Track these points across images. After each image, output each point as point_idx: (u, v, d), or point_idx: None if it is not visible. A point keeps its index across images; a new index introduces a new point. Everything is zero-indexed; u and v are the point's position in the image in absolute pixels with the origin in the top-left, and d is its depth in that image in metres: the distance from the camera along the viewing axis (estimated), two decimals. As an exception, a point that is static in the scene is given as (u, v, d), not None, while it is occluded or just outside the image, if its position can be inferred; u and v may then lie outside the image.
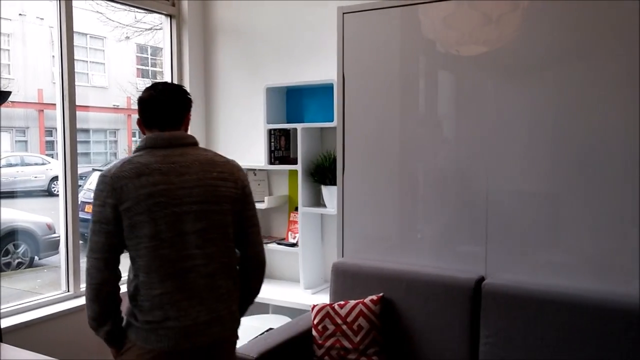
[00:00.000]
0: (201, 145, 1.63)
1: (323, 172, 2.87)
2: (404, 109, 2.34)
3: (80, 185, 2.94)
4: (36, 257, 4.13)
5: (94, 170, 4.62)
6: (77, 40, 3.69)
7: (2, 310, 2.49)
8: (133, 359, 1.49)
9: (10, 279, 3.69)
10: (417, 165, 2.33)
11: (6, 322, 2.41)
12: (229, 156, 1.59)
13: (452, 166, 2.24)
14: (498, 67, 2.11)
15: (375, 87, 2.40)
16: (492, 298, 2.01)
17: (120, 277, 1.53)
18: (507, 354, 1.97)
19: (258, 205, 3.02)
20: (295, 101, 3.13)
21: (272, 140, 3.03)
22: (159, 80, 3.41)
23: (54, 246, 4.01)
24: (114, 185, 1.46)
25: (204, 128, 3.48)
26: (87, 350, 2.61)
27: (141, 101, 1.59)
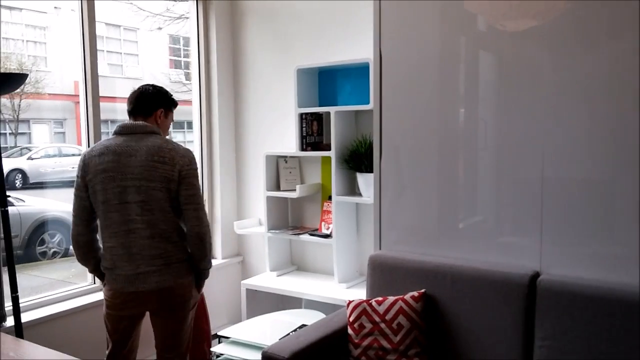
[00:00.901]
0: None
1: (358, 158, 2.70)
2: (447, 89, 2.13)
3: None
4: (71, 247, 4.17)
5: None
6: (111, 32, 3.65)
7: (28, 303, 2.45)
8: (105, 292, 2.01)
9: (44, 269, 3.70)
10: (462, 150, 2.12)
11: (29, 316, 2.36)
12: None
13: (502, 151, 2.02)
14: (550, 42, 1.88)
15: (415, 65, 2.19)
16: (549, 296, 1.80)
17: (96, 230, 1.99)
18: (565, 359, 1.76)
19: (289, 195, 2.93)
20: (327, 83, 2.95)
21: (304, 125, 2.87)
22: (190, 71, 3.40)
23: (87, 236, 4.04)
24: (84, 161, 1.96)
25: (232, 114, 3.35)
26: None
27: (129, 96, 2.06)
